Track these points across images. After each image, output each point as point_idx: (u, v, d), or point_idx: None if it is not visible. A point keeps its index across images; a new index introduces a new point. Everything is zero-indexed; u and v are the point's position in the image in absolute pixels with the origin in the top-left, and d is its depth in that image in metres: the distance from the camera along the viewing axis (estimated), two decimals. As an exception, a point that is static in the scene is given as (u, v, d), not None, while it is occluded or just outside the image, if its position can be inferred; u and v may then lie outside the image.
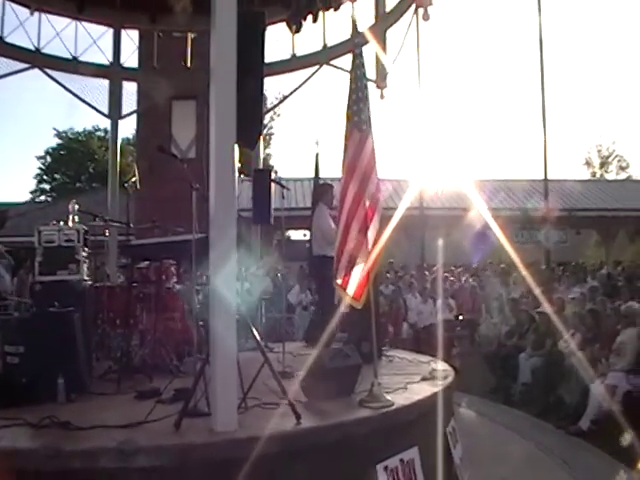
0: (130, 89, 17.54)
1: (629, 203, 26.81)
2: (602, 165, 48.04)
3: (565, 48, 72.60)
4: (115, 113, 17.04)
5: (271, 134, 43.89)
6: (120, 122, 17.41)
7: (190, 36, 17.02)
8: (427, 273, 16.38)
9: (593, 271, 17.15)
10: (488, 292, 14.84)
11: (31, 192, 46.92)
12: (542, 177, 16.41)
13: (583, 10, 74.54)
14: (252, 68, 5.12)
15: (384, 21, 14.83)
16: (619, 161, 47.86)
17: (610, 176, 46.07)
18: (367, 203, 5.77)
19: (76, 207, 7.19)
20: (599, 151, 48.06)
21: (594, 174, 46.83)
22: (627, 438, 6.86)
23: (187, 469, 4.00)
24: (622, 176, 45.93)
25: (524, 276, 12.80)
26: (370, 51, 14.09)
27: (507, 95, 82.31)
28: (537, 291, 11.71)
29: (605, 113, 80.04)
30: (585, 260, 21.91)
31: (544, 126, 15.50)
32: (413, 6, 14.03)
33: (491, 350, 11.94)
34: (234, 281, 4.80)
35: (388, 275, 16.45)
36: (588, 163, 48.44)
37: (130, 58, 17.60)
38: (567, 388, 8.92)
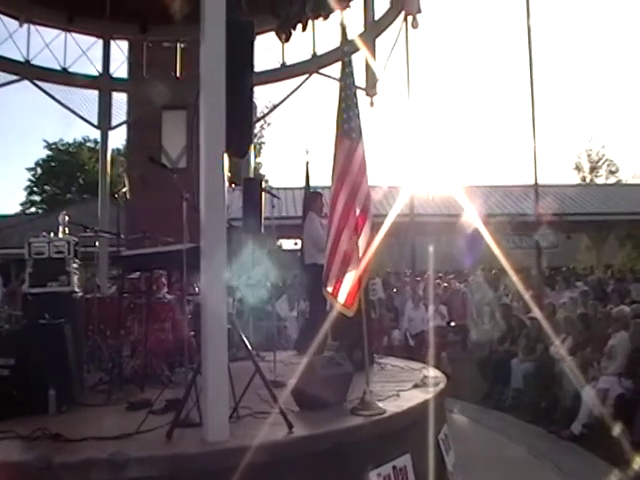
0: (120, 100, 17.56)
1: (619, 207, 26.94)
2: (592, 169, 48.23)
3: (555, 54, 72.92)
4: (105, 124, 17.05)
5: (261, 143, 43.99)
6: (110, 133, 17.43)
7: (180, 46, 17.03)
8: (418, 279, 16.40)
9: (584, 275, 17.22)
10: (479, 298, 14.86)
11: (21, 204, 46.90)
12: (533, 182, 16.47)
13: (572, 16, 74.87)
14: (242, 77, 5.12)
15: (373, 29, 14.90)
16: (609, 165, 48.10)
17: (600, 180, 46.31)
18: (358, 211, 5.78)
19: (66, 218, 7.19)
20: (589, 155, 48.28)
21: (584, 178, 47.03)
22: (619, 442, 6.89)
23: (179, 479, 3.99)
24: (612, 180, 46.17)
25: (515, 281, 12.84)
26: (360, 59, 14.13)
27: (497, 101, 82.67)
28: (528, 296, 11.75)
29: (595, 118, 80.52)
30: (576, 264, 21.98)
31: (534, 131, 15.54)
32: (402, 14, 14.10)
33: (483, 356, 11.95)
34: (225, 291, 4.80)
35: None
36: (578, 168, 48.66)
37: (120, 69, 17.65)
38: (559, 393, 8.94)
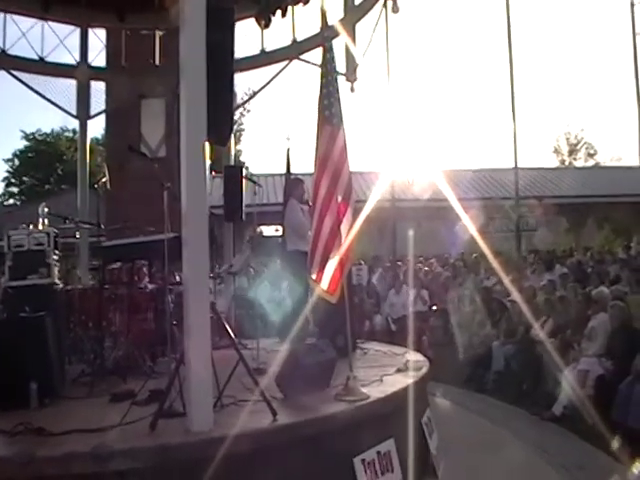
0: (98, 88, 17.43)
1: (598, 190, 27.06)
2: (571, 152, 48.35)
3: (534, 38, 72.98)
4: (83, 113, 16.94)
5: (241, 130, 43.75)
6: (89, 122, 17.30)
7: (158, 34, 16.91)
8: (400, 264, 16.43)
9: (563, 257, 17.30)
10: (460, 282, 14.91)
11: (-1, 196, 46.41)
12: (512, 166, 16.57)
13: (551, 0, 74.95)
14: (222, 64, 5.09)
15: (353, 14, 14.90)
16: (587, 148, 48.18)
17: (579, 163, 46.44)
18: (340, 197, 5.79)
19: (46, 210, 7.14)
20: (567, 139, 48.37)
21: (563, 161, 47.18)
22: (600, 422, 6.97)
23: (164, 470, 3.99)
24: (590, 163, 46.34)
25: (495, 265, 12.90)
26: (340, 44, 14.12)
27: (477, 85, 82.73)
28: (508, 279, 11.81)
29: (573, 101, 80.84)
30: (555, 247, 22.06)
31: (513, 115, 15.67)
32: (382, -1, 14.09)
33: (464, 339, 12.00)
34: (207, 279, 4.80)
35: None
36: (557, 151, 48.75)
37: (98, 57, 17.51)
38: (540, 375, 9.02)
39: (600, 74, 64.41)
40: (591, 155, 48.02)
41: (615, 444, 6.44)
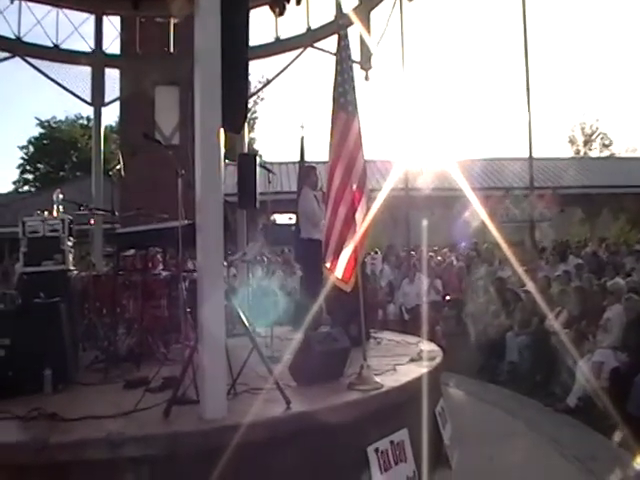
0: (113, 76, 17.42)
1: (613, 180, 26.89)
2: (586, 143, 48.13)
3: (549, 27, 72.48)
4: (98, 100, 16.92)
5: (255, 118, 43.76)
6: (103, 109, 17.29)
7: (173, 21, 16.88)
8: (413, 254, 16.38)
9: (577, 248, 17.20)
10: (473, 272, 14.85)
11: (14, 182, 46.70)
12: (527, 156, 16.43)
13: (566, -12, 74.30)
14: (236, 52, 5.06)
15: (368, 2, 14.79)
16: (602, 139, 48.00)
17: (594, 154, 46.22)
18: (354, 185, 5.76)
19: (60, 196, 7.14)
20: (583, 129, 48.17)
21: (578, 152, 46.93)
22: (614, 414, 6.93)
23: (177, 457, 3.99)
24: (605, 153, 46.10)
25: (509, 255, 12.83)
26: (354, 33, 14.04)
27: (492, 74, 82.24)
28: (522, 270, 11.74)
29: (589, 91, 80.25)
30: (569, 238, 21.95)
31: (528, 105, 15.46)
32: (397, -14, 14.00)
33: (478, 330, 11.95)
34: (221, 267, 4.78)
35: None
36: (572, 141, 48.57)
37: (112, 44, 17.49)
38: (554, 366, 8.97)
39: (616, 64, 63.80)
40: (606, 146, 47.84)
41: (629, 436, 6.41)
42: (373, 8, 14.86)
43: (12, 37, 15.71)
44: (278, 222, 25.10)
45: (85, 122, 43.82)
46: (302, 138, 11.32)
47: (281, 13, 14.72)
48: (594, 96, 78.56)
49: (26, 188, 44.39)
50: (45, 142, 45.83)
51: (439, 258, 16.73)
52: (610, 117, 68.30)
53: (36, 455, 3.80)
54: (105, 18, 17.02)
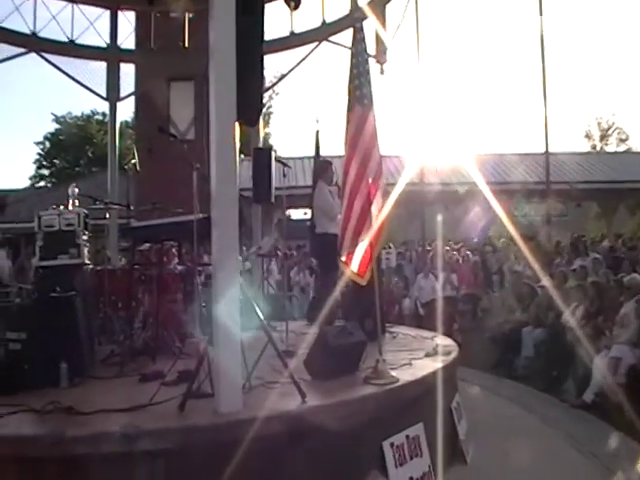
0: (128, 71, 17.48)
1: (629, 175, 26.70)
2: (602, 138, 47.84)
3: (566, 21, 72.02)
4: (113, 95, 17.00)
5: (270, 113, 43.82)
6: (118, 105, 17.36)
7: (187, 16, 16.91)
8: (429, 248, 16.36)
9: (593, 244, 17.08)
10: (489, 266, 14.81)
11: (30, 178, 46.99)
12: (543, 150, 16.35)
13: (582, -18, 73.76)
14: (251, 46, 5.05)
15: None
16: (619, 133, 47.70)
17: (610, 148, 45.94)
18: (370, 179, 5.74)
19: (76, 191, 7.15)
20: (599, 124, 47.86)
21: (594, 147, 46.65)
22: (631, 411, 6.87)
23: (192, 451, 3.99)
24: (622, 148, 45.81)
25: (525, 250, 12.78)
26: (369, 26, 14.01)
27: (508, 69, 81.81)
28: (538, 264, 11.67)
29: (605, 86, 79.74)
30: (585, 233, 21.82)
31: (545, 99, 15.43)
32: (412, -20, 13.95)
33: (493, 324, 11.91)
34: (236, 261, 4.77)
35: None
36: (588, 136, 48.28)
37: (127, 40, 17.55)
38: (571, 361, 8.91)
39: (632, 58, 63.37)
40: (623, 140, 47.49)
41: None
42: (388, 1, 14.85)
43: (28, 33, 15.80)
44: (293, 217, 25.12)
45: (101, 117, 43.98)
46: (317, 132, 11.32)
47: (296, 7, 14.66)
48: (610, 91, 78.19)
49: (42, 184, 44.64)
50: (61, 138, 46.09)
51: (454, 253, 16.69)
52: (627, 112, 67.86)
53: (52, 448, 3.81)
54: (120, 13, 17.10)
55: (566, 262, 13.57)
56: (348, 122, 5.86)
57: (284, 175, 7.94)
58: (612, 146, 46.88)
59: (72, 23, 16.56)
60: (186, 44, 17.31)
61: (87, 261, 6.90)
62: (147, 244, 7.80)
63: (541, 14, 15.38)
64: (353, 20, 6.41)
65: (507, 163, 27.14)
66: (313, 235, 9.24)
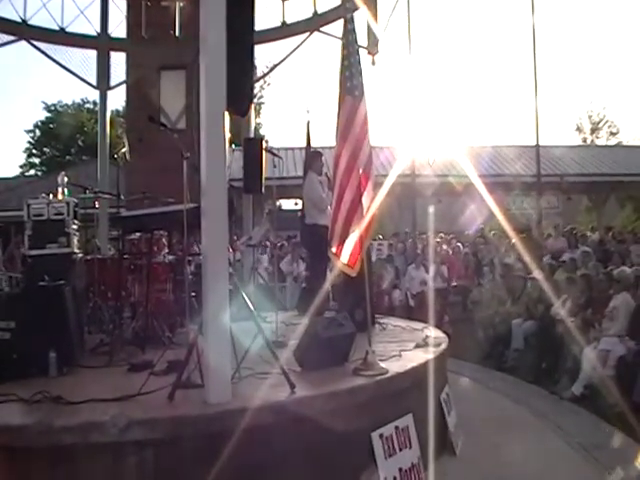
0: (119, 60, 17.38)
1: (620, 169, 26.74)
2: (593, 131, 47.92)
3: (557, 15, 71.98)
4: (103, 84, 16.92)
5: (261, 103, 43.68)
6: (109, 94, 17.27)
7: (178, 4, 16.81)
8: (420, 239, 16.35)
9: (582, 237, 17.13)
10: (480, 259, 14.81)
11: (20, 166, 46.75)
12: (534, 143, 16.38)
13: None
14: (242, 35, 5.03)
15: (376, -15, 14.71)
16: (609, 127, 47.74)
17: (601, 142, 46.01)
18: (360, 170, 5.72)
19: (65, 179, 7.12)
20: (590, 117, 47.94)
21: (585, 140, 46.75)
22: (620, 403, 6.90)
23: (181, 441, 3.99)
24: (613, 142, 45.88)
25: (516, 242, 12.81)
26: (361, 18, 13.96)
27: (499, 62, 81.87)
28: (529, 257, 11.69)
29: (596, 79, 79.87)
30: (576, 226, 21.89)
31: (535, 92, 15.46)
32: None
33: (484, 316, 11.93)
34: (226, 251, 4.76)
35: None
36: (579, 129, 48.35)
37: (118, 28, 17.44)
38: (560, 353, 8.94)
39: (623, 52, 63.51)
40: (613, 134, 47.60)
41: (635, 425, 6.38)
42: (381, -9, 14.79)
43: (18, 20, 15.69)
44: (284, 207, 25.09)
45: (91, 106, 43.78)
46: (308, 123, 11.30)
47: (287, -3, 14.66)
48: (601, 84, 78.34)
49: (32, 172, 44.44)
50: (51, 126, 45.84)
51: (444, 245, 16.69)
52: (617, 105, 67.99)
53: (40, 437, 3.80)
54: (111, 1, 16.98)
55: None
56: (339, 113, 5.83)
57: (274, 166, 7.91)
58: (603, 139, 47.03)
59: (62, 11, 16.47)
60: (177, 33, 17.22)
61: (77, 250, 6.88)
62: (137, 233, 7.77)
63: (533, 8, 15.39)
64: (344, 11, 6.36)
65: (498, 155, 27.14)
66: (303, 226, 9.23)
